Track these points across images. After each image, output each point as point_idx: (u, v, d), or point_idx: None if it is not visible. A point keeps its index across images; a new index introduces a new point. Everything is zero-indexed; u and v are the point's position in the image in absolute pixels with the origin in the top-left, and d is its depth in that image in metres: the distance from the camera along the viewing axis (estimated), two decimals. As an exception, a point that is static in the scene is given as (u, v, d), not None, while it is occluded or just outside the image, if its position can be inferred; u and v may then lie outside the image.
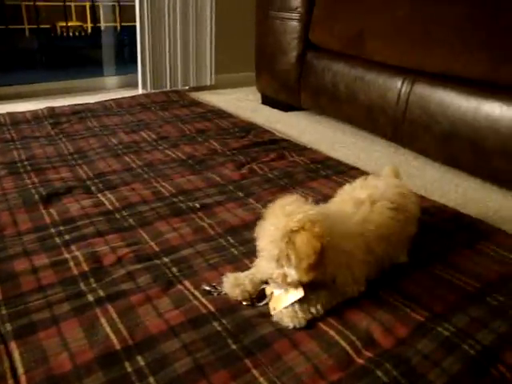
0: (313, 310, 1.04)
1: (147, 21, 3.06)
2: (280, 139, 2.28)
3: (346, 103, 2.44)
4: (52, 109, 2.60)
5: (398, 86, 2.17)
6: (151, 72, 3.18)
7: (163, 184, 1.73)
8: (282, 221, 1.02)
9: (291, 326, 1.02)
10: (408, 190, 1.35)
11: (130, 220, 1.47)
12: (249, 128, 2.42)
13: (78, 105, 2.72)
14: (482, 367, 0.93)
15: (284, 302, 1.05)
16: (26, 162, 1.87)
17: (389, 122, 2.23)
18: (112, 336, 0.99)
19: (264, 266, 1.06)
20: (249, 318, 1.05)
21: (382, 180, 1.35)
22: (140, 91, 3.20)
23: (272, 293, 1.08)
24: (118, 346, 0.97)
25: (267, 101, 3.07)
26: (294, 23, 2.66)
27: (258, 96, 3.16)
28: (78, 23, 5.11)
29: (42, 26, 4.93)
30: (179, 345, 0.97)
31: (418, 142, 2.13)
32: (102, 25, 4.04)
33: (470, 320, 1.06)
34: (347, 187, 1.34)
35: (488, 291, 1.17)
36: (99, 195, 1.63)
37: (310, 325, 1.03)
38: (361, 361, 0.94)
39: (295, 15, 2.65)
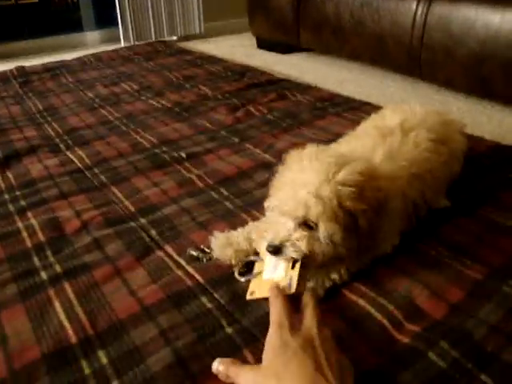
0: (334, 275, 0.78)
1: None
2: (280, 79, 1.99)
3: (353, 35, 2.13)
4: (22, 68, 2.30)
5: (412, 8, 1.86)
6: (133, 23, 2.87)
7: (144, 135, 1.46)
8: (328, 168, 0.74)
9: None
10: (452, 119, 1.08)
11: (102, 177, 1.21)
12: (243, 71, 2.13)
13: (52, 62, 2.42)
14: None
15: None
16: (-16, 124, 1.61)
17: (403, 52, 1.92)
18: (67, 325, 0.74)
19: (278, 225, 0.76)
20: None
21: (419, 106, 1.07)
22: (122, 45, 2.89)
23: (261, 272, 0.77)
24: (73, 339, 0.72)
25: (263, 44, 2.76)
26: (288, -51, 2.33)
27: (253, 42, 2.85)
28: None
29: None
30: (156, 331, 0.72)
31: (440, 72, 1.83)
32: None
33: (543, 273, 0.80)
34: (374, 116, 1.08)
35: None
36: (68, 153, 1.37)
37: (332, 294, 0.77)
38: (405, 339, 0.68)
39: None
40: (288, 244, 0.72)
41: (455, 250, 0.87)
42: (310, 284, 0.75)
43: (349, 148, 0.94)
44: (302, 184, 0.73)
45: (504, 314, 0.71)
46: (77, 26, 3.16)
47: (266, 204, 0.79)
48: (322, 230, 0.72)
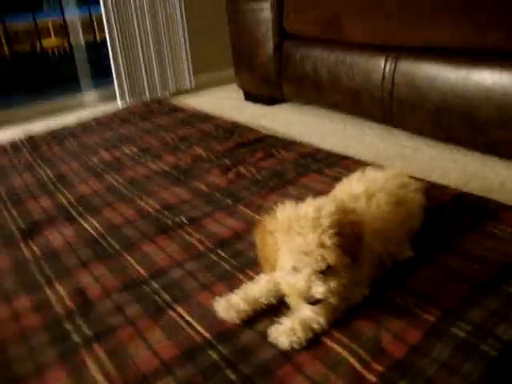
0: (314, 325, 0.96)
1: (116, 31, 2.97)
2: (266, 136, 2.19)
3: (330, 89, 2.35)
4: (31, 136, 2.50)
5: (381, 65, 2.08)
6: (128, 82, 3.09)
7: (147, 200, 1.64)
8: (317, 223, 0.92)
9: (286, 346, 0.93)
10: (409, 180, 1.27)
11: (115, 245, 1.38)
12: (232, 128, 2.33)
13: (58, 129, 2.62)
14: (507, 369, 0.85)
15: None
16: (3, 194, 1.79)
17: (376, 104, 2.13)
18: (101, 380, 0.91)
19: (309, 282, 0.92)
20: (248, 343, 0.96)
21: (380, 172, 1.27)
22: (119, 103, 3.11)
23: None
24: (108, 396, 0.89)
25: (250, 97, 2.98)
26: (267, 13, 2.56)
27: (241, 93, 3.06)
28: (58, 41, 4.93)
29: (20, 50, 4.81)
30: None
31: (410, 121, 2.03)
32: (82, 39, 3.84)
33: (486, 313, 0.97)
34: (345, 182, 1.26)
35: (502, 278, 1.08)
36: (81, 220, 1.55)
37: (314, 341, 0.95)
38: (372, 378, 0.86)
39: (266, 4, 2.55)
40: (329, 295, 0.92)
41: (415, 296, 1.05)
42: (293, 338, 0.93)
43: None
44: (308, 243, 0.89)
45: (451, 352, 0.89)
46: (75, 85, 3.38)
47: (281, 273, 0.96)
48: (339, 266, 0.92)
